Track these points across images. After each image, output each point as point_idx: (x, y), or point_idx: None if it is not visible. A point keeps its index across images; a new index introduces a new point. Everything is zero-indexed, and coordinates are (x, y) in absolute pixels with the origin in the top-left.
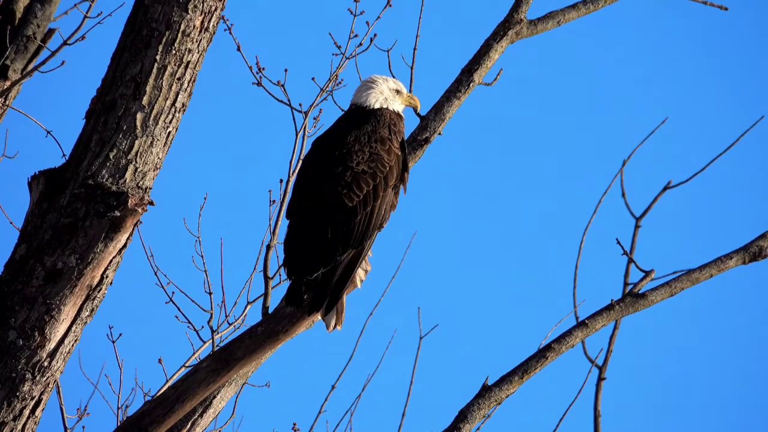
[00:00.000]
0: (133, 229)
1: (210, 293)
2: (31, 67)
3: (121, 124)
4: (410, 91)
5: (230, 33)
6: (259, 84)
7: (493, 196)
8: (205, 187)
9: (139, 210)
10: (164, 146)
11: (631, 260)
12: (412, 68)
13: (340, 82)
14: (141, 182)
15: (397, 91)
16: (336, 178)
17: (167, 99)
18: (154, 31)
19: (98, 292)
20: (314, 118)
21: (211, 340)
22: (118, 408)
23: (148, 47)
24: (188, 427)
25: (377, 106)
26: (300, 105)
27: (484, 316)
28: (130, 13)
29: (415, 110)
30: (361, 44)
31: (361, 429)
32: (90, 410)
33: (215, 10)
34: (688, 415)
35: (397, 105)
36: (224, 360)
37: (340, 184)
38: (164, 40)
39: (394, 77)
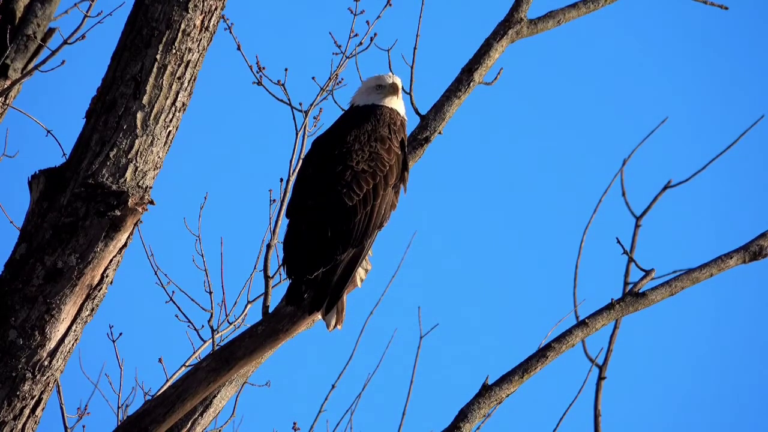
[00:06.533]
0: (134, 228)
1: (210, 292)
2: (31, 66)
3: (122, 123)
4: (410, 90)
5: (230, 32)
6: (259, 83)
7: (492, 196)
8: (205, 186)
9: (140, 209)
10: (164, 145)
11: (631, 259)
12: (412, 68)
13: (340, 82)
14: (141, 181)
15: (379, 86)
16: (336, 177)
17: (167, 98)
18: (154, 30)
19: (98, 291)
20: (314, 118)
21: (211, 340)
22: (118, 407)
23: (148, 46)
24: (188, 426)
25: (361, 104)
26: (300, 104)
27: (484, 316)
28: (130, 12)
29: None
30: (361, 43)
31: (361, 428)
32: (90, 409)
33: (215, 9)
34: (688, 415)
35: (379, 100)
36: (224, 359)
37: (340, 183)
38: (164, 39)
39: (392, 75)
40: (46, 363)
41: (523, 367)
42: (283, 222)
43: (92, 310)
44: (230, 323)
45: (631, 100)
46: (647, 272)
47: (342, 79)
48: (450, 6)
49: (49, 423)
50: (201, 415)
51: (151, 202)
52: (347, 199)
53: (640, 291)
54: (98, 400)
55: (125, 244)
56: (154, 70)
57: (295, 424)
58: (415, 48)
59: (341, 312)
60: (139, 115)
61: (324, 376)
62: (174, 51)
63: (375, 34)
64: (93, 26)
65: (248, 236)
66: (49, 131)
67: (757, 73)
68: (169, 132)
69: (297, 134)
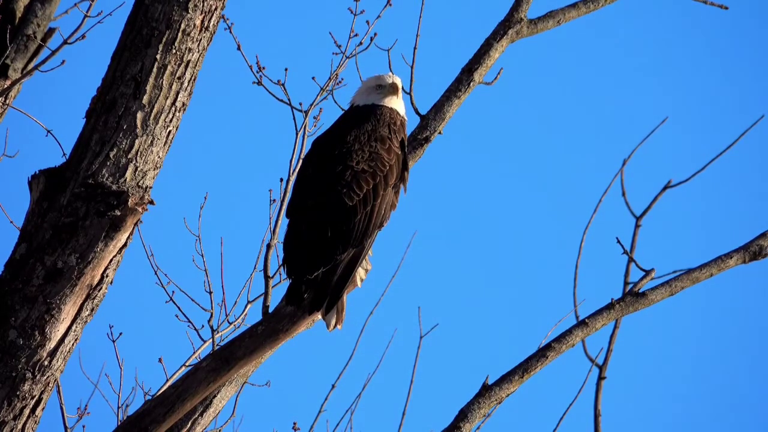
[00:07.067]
0: (134, 228)
1: (210, 292)
2: (31, 66)
3: (122, 123)
4: (410, 90)
5: (230, 32)
6: (259, 83)
7: (493, 196)
8: (205, 186)
9: (140, 209)
10: (164, 145)
11: (631, 259)
12: (412, 68)
13: (340, 82)
14: (141, 181)
15: (379, 86)
16: (336, 177)
17: (167, 98)
18: (154, 30)
19: (98, 291)
20: (314, 118)
21: (211, 340)
22: (118, 407)
23: (148, 46)
24: (188, 426)
25: (361, 104)
26: (300, 104)
27: (484, 316)
28: (130, 12)
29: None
30: (361, 43)
31: (361, 428)
32: (90, 409)
33: (215, 9)
34: (688, 415)
35: (379, 99)
36: (224, 359)
37: (340, 183)
38: (164, 39)
39: (392, 75)
40: (46, 363)
41: (523, 367)
42: (283, 222)
43: (92, 310)
44: (230, 323)
45: (631, 100)
46: (647, 272)
47: (342, 79)
48: (450, 6)
49: (49, 423)
50: (201, 415)
51: (151, 202)
52: (347, 199)
53: (640, 291)
54: (98, 400)
55: (125, 244)
56: (154, 70)
57: (295, 424)
58: (415, 48)
59: (341, 312)
60: (139, 115)
61: (324, 376)
62: (174, 51)
63: (375, 34)
64: (93, 26)
65: (248, 236)
66: (49, 131)
67: (757, 73)
68: (169, 132)
69: (297, 134)
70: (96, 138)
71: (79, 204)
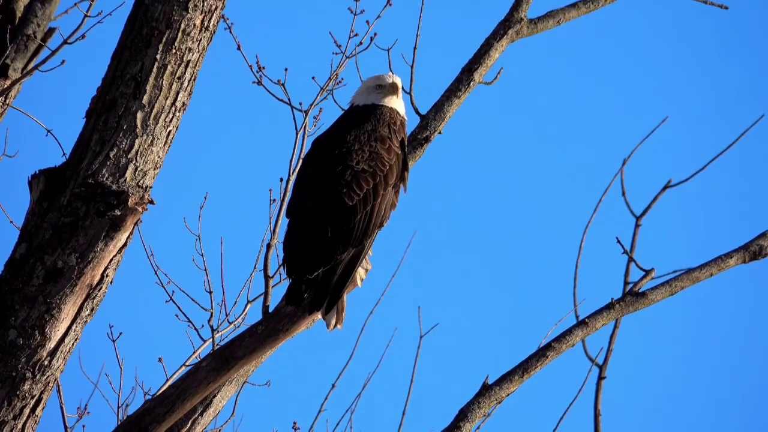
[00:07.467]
0: (134, 228)
1: (210, 292)
2: (31, 66)
3: (122, 123)
4: (410, 90)
5: (230, 32)
6: (259, 83)
7: (492, 196)
8: (205, 186)
9: (140, 209)
10: (164, 145)
11: (631, 259)
12: (412, 67)
13: (340, 81)
14: (141, 181)
15: (379, 85)
16: (336, 177)
17: (167, 98)
18: (154, 30)
19: (98, 291)
20: (314, 117)
21: (211, 339)
22: (118, 407)
23: (148, 46)
24: (188, 425)
25: (361, 104)
26: (300, 104)
27: (484, 316)
28: (130, 12)
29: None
30: (361, 43)
31: (361, 428)
32: (90, 409)
33: (215, 9)
34: (688, 415)
35: (379, 99)
36: (224, 359)
37: (340, 183)
38: (164, 39)
39: (392, 74)
40: (46, 363)
41: (523, 367)
42: (283, 222)
43: (92, 309)
44: (230, 323)
45: (631, 100)
46: (647, 272)
47: (342, 79)
48: (450, 6)
49: (49, 423)
50: (201, 414)
51: (151, 202)
52: (347, 198)
53: (640, 291)
54: (98, 400)
55: (125, 244)
56: (154, 69)
57: (295, 424)
58: (415, 48)
59: (341, 312)
60: (139, 115)
61: (324, 376)
62: (174, 51)
63: (375, 34)
64: (93, 26)
65: (248, 236)
66: (49, 131)
67: (757, 73)
68: (169, 132)
69: (297, 134)
70: (96, 138)
71: (79, 204)
